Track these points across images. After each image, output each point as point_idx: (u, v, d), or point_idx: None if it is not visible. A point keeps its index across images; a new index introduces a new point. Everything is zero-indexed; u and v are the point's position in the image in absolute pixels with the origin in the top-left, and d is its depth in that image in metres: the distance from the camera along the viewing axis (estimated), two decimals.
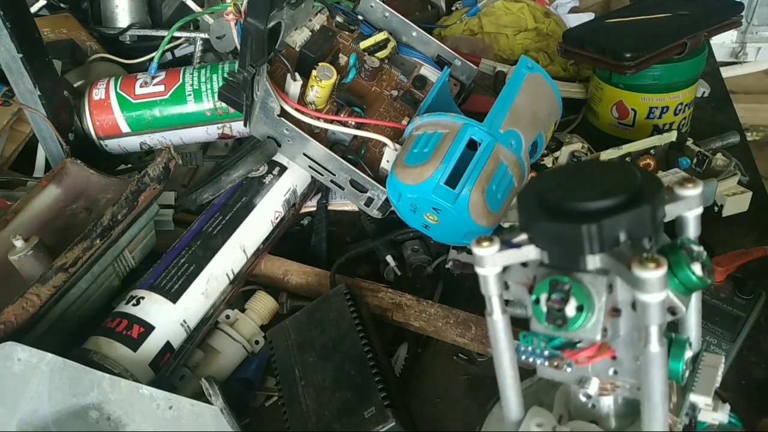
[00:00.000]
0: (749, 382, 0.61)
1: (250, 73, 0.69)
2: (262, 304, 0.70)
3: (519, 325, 0.39)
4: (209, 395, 0.55)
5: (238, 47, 0.71)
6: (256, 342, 0.68)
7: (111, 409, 0.55)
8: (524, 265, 0.37)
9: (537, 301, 0.35)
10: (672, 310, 0.35)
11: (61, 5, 1.06)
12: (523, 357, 0.39)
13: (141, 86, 0.83)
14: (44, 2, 1.07)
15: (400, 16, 0.84)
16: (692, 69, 0.84)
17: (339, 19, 0.83)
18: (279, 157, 0.76)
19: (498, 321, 0.38)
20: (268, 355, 0.65)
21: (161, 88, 0.83)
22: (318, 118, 0.73)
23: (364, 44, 0.81)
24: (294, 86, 0.73)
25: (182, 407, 0.55)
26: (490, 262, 0.36)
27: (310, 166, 0.74)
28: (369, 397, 0.55)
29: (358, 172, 0.71)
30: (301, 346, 0.63)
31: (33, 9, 1.05)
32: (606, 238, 0.33)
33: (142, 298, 0.63)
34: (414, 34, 0.84)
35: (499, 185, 0.66)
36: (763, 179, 0.82)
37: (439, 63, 0.85)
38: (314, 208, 0.82)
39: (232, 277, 0.68)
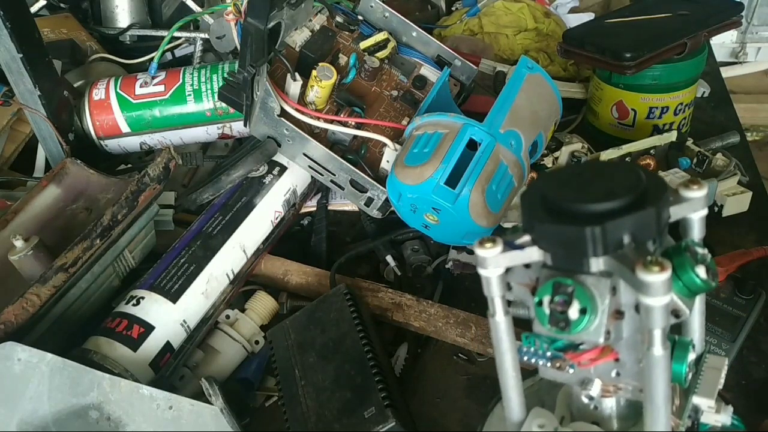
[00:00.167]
0: (749, 382, 0.61)
1: (250, 73, 0.69)
2: (262, 304, 0.70)
3: (521, 326, 0.39)
4: (209, 395, 0.55)
5: (238, 47, 0.71)
6: (256, 342, 0.68)
7: (111, 409, 0.55)
8: (527, 266, 0.37)
9: (540, 303, 0.35)
10: (676, 313, 0.35)
11: (61, 5, 1.06)
12: (525, 358, 0.38)
13: (141, 86, 0.83)
14: (44, 2, 1.07)
15: (400, 16, 0.84)
16: (692, 69, 0.84)
17: (339, 19, 0.83)
18: (279, 157, 0.76)
19: (500, 322, 0.38)
20: (268, 355, 0.65)
21: (161, 88, 0.83)
22: (318, 118, 0.73)
23: (364, 44, 0.81)
24: (294, 86, 0.73)
25: (182, 407, 0.55)
26: (493, 263, 0.36)
27: (310, 166, 0.74)
28: (369, 397, 0.55)
29: (358, 172, 0.71)
30: (301, 346, 0.63)
31: (33, 9, 1.05)
32: (610, 240, 0.32)
33: (142, 298, 0.63)
34: (414, 34, 0.84)
35: (499, 185, 0.66)
36: (763, 179, 0.82)
37: (439, 63, 0.85)
38: (314, 208, 0.82)
39: (232, 277, 0.68)
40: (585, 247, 0.33)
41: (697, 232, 0.37)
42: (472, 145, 0.66)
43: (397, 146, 0.73)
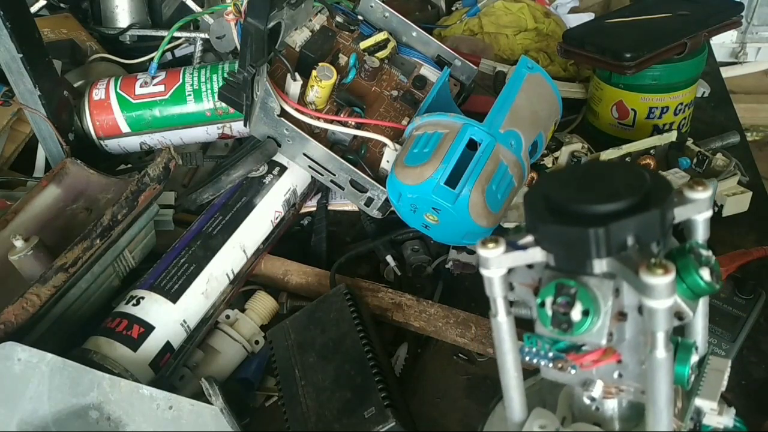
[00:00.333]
0: (749, 382, 0.61)
1: (250, 73, 0.69)
2: (262, 304, 0.70)
3: (523, 326, 0.39)
4: (209, 395, 0.55)
5: (238, 47, 0.71)
6: (256, 342, 0.68)
7: (111, 409, 0.55)
8: (529, 266, 0.37)
9: (542, 305, 0.35)
10: (679, 315, 0.35)
11: (61, 5, 1.06)
12: (527, 358, 0.38)
13: (141, 86, 0.83)
14: (44, 2, 1.07)
15: (400, 16, 0.84)
16: (692, 69, 0.84)
17: (339, 19, 0.83)
18: (279, 157, 0.76)
19: (502, 323, 0.38)
20: (268, 355, 0.65)
21: (161, 88, 0.83)
22: (318, 118, 0.73)
23: (364, 44, 0.81)
24: (294, 86, 0.73)
25: (182, 407, 0.55)
26: (495, 263, 0.35)
27: (310, 166, 0.74)
28: (369, 397, 0.55)
29: (358, 172, 0.71)
30: (301, 346, 0.63)
31: (33, 9, 1.05)
32: (613, 242, 0.32)
33: (142, 298, 0.63)
34: (414, 34, 0.84)
35: (499, 185, 0.66)
36: (763, 179, 0.82)
37: (439, 63, 0.85)
38: (314, 208, 0.82)
39: (232, 277, 0.68)
40: (588, 249, 0.33)
41: (701, 234, 0.37)
42: (472, 145, 0.66)
43: (397, 146, 0.73)
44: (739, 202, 0.75)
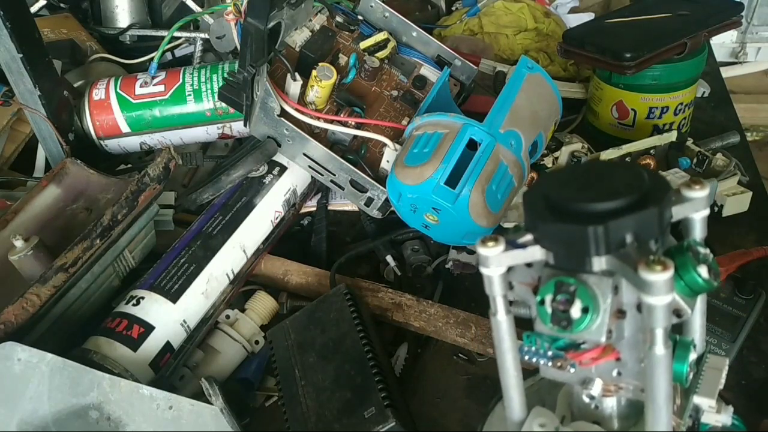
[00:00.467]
0: (749, 382, 0.61)
1: (250, 73, 0.69)
2: (262, 304, 0.70)
3: (522, 326, 0.39)
4: (209, 395, 0.55)
5: (238, 47, 0.71)
6: (256, 342, 0.68)
7: (111, 409, 0.55)
8: (529, 265, 0.37)
9: (542, 302, 0.35)
10: (677, 313, 0.35)
11: (61, 5, 1.06)
12: (527, 357, 0.38)
13: (141, 86, 0.83)
14: (44, 2, 1.07)
15: (400, 16, 0.84)
16: (692, 69, 0.84)
17: (339, 19, 0.83)
18: (279, 157, 0.76)
19: (502, 321, 0.38)
20: (268, 355, 0.65)
21: (161, 88, 0.83)
22: (318, 118, 0.73)
23: (364, 44, 0.81)
24: (294, 86, 0.73)
25: (182, 407, 0.55)
26: (495, 262, 0.36)
27: (310, 166, 0.74)
28: (369, 397, 0.55)
29: (358, 172, 0.71)
30: (301, 346, 0.63)
31: (33, 9, 1.05)
32: (612, 239, 0.32)
33: (142, 298, 0.63)
34: (414, 34, 0.84)
35: (499, 185, 0.66)
36: (763, 179, 0.82)
37: (439, 63, 0.85)
38: (314, 208, 0.82)
39: (232, 277, 0.68)
40: (587, 246, 0.33)
41: (698, 232, 0.37)
42: (472, 145, 0.66)
43: (397, 146, 0.73)
44: (739, 202, 0.75)
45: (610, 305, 0.35)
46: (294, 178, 0.76)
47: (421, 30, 0.85)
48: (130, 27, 1.03)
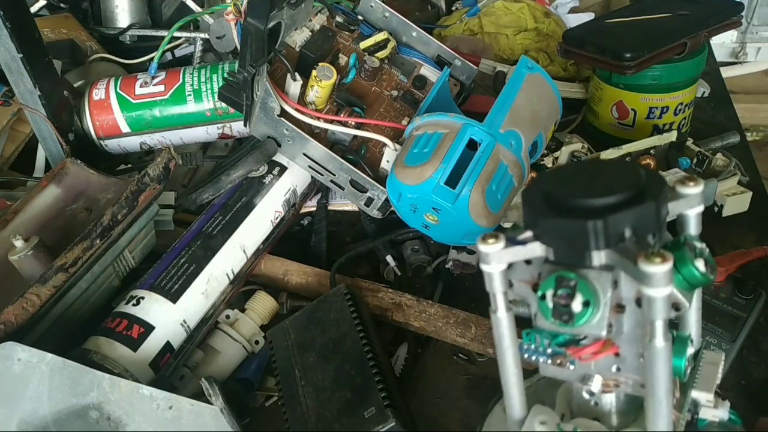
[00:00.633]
0: (749, 382, 0.61)
1: (250, 73, 0.69)
2: (262, 304, 0.70)
3: (521, 325, 0.39)
4: (209, 395, 0.55)
5: (238, 47, 0.71)
6: (256, 342, 0.68)
7: (111, 409, 0.55)
8: (528, 263, 0.38)
9: (543, 297, 0.36)
10: (675, 306, 0.36)
11: (61, 5, 1.06)
12: (526, 355, 0.39)
13: (141, 86, 0.83)
14: (44, 2, 1.07)
15: (400, 16, 0.84)
16: (692, 69, 0.84)
17: (339, 19, 0.83)
18: (279, 157, 0.76)
19: (502, 318, 0.38)
20: (268, 355, 0.65)
21: (161, 88, 0.83)
22: (318, 118, 0.73)
23: (364, 44, 0.81)
24: (294, 86, 0.73)
25: (182, 407, 0.55)
26: (496, 258, 0.36)
27: (310, 166, 0.74)
28: (369, 397, 0.55)
29: (358, 172, 0.71)
30: (301, 346, 0.63)
31: (33, 9, 1.05)
32: (611, 233, 0.33)
33: (142, 298, 0.63)
34: (414, 34, 0.84)
35: (499, 185, 0.66)
36: (763, 179, 0.82)
37: (439, 63, 0.85)
38: (314, 208, 0.82)
39: (232, 277, 0.68)
40: (587, 241, 0.33)
41: (693, 229, 0.38)
42: (472, 145, 0.66)
43: (397, 146, 0.73)
44: (739, 202, 0.75)
45: (610, 299, 0.35)
46: (294, 178, 0.76)
47: (421, 30, 0.85)
48: (130, 27, 1.03)
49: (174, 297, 0.63)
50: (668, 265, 0.31)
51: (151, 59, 0.86)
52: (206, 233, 0.68)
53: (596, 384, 0.39)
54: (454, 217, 0.66)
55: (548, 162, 0.79)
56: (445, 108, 0.72)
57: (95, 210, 0.70)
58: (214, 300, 0.67)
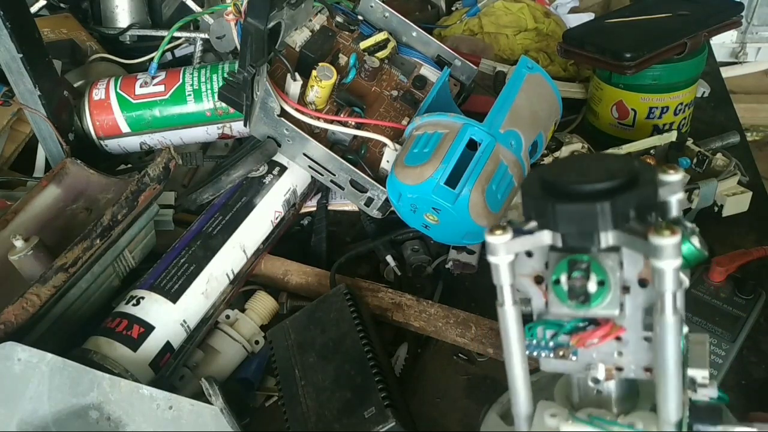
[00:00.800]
0: (749, 382, 0.61)
1: (250, 73, 0.69)
2: (262, 304, 0.70)
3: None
4: (209, 395, 0.55)
5: (238, 47, 0.71)
6: (256, 342, 0.68)
7: (111, 409, 0.55)
8: (529, 255, 0.38)
9: (557, 282, 0.37)
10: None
11: (61, 5, 1.06)
12: (528, 351, 0.39)
13: (141, 86, 0.83)
14: (44, 2, 1.07)
15: (400, 16, 0.84)
16: (692, 69, 0.84)
17: (339, 19, 0.83)
18: (279, 157, 0.76)
19: (509, 311, 0.38)
20: (268, 355, 0.65)
21: (161, 88, 0.83)
22: (318, 118, 0.73)
23: (364, 44, 0.81)
24: (294, 86, 0.73)
25: (182, 407, 0.55)
26: (504, 249, 0.36)
27: (310, 166, 0.74)
28: (369, 397, 0.55)
29: (358, 172, 0.71)
30: (301, 346, 0.63)
31: (33, 9, 1.05)
32: (618, 214, 0.34)
33: (142, 298, 0.63)
34: (414, 34, 0.84)
35: (499, 185, 0.66)
36: (763, 179, 0.82)
37: (439, 63, 0.85)
38: (314, 208, 0.82)
39: (232, 277, 0.68)
40: (596, 222, 0.34)
41: (675, 214, 0.40)
42: (472, 145, 0.66)
43: (397, 146, 0.73)
44: (739, 202, 0.75)
45: (619, 279, 0.37)
46: (294, 178, 0.76)
47: (421, 30, 0.85)
48: (130, 27, 1.03)
49: (174, 297, 0.63)
50: (677, 237, 0.32)
51: (151, 59, 0.86)
52: (206, 233, 0.68)
53: (601, 371, 0.40)
54: (454, 217, 0.66)
55: (548, 162, 0.79)
56: (445, 108, 0.72)
57: (95, 210, 0.70)
58: (214, 300, 0.67)
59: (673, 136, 0.80)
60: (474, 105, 0.87)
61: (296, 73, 0.73)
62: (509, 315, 0.38)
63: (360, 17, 0.84)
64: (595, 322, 0.38)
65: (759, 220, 0.76)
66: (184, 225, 0.74)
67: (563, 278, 0.36)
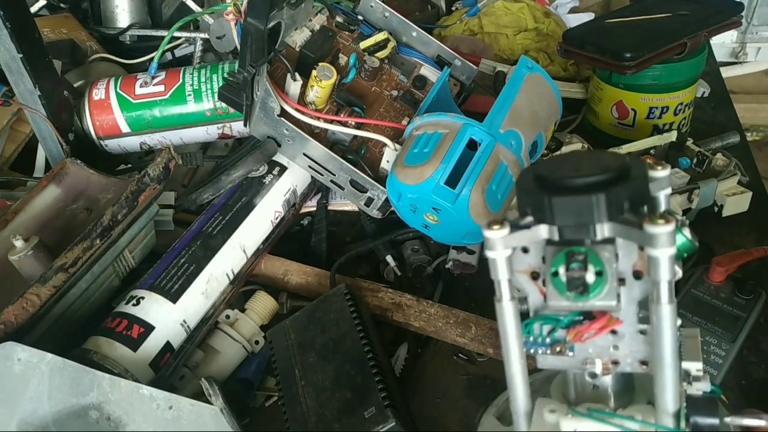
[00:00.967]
0: (749, 382, 0.61)
1: (250, 73, 0.69)
2: (262, 304, 0.70)
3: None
4: (209, 395, 0.55)
5: (238, 47, 0.71)
6: (256, 342, 0.68)
7: (111, 409, 0.55)
8: (525, 251, 0.39)
9: (555, 274, 0.37)
10: None
11: (61, 5, 1.06)
12: (525, 348, 0.40)
13: (141, 86, 0.83)
14: (44, 2, 1.07)
15: (400, 16, 0.84)
16: (692, 69, 0.84)
17: (339, 19, 0.83)
18: (279, 157, 0.76)
19: (507, 306, 0.39)
20: (268, 355, 0.65)
21: (161, 88, 0.83)
22: (318, 118, 0.73)
23: (364, 44, 0.81)
24: (294, 86, 0.73)
25: (182, 407, 0.55)
26: (502, 244, 0.37)
27: (310, 166, 0.74)
28: (369, 397, 0.55)
29: (358, 172, 0.71)
30: (301, 346, 0.63)
31: (33, 9, 1.05)
32: (613, 206, 0.35)
33: (142, 298, 0.63)
34: (414, 34, 0.84)
35: (499, 185, 0.66)
36: (763, 179, 0.82)
37: (439, 63, 0.85)
38: (314, 208, 0.82)
39: (232, 277, 0.68)
40: (592, 214, 0.35)
41: (663, 209, 0.41)
42: (472, 145, 0.66)
43: (397, 146, 0.73)
44: (739, 202, 0.75)
45: (615, 270, 0.37)
46: (294, 178, 0.76)
47: (421, 30, 0.85)
48: (130, 27, 1.03)
49: (174, 297, 0.63)
50: (672, 226, 0.33)
51: (151, 59, 0.86)
52: (206, 233, 0.68)
53: (598, 365, 0.40)
54: (454, 217, 0.66)
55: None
56: (445, 108, 0.72)
57: (95, 210, 0.70)
58: (214, 300, 0.67)
59: (673, 136, 0.80)
60: (474, 105, 0.87)
61: (296, 73, 0.73)
62: (507, 310, 0.39)
63: (360, 17, 0.84)
64: (591, 317, 0.39)
65: (759, 220, 0.76)
66: (184, 225, 0.74)
67: (561, 270, 0.37)
